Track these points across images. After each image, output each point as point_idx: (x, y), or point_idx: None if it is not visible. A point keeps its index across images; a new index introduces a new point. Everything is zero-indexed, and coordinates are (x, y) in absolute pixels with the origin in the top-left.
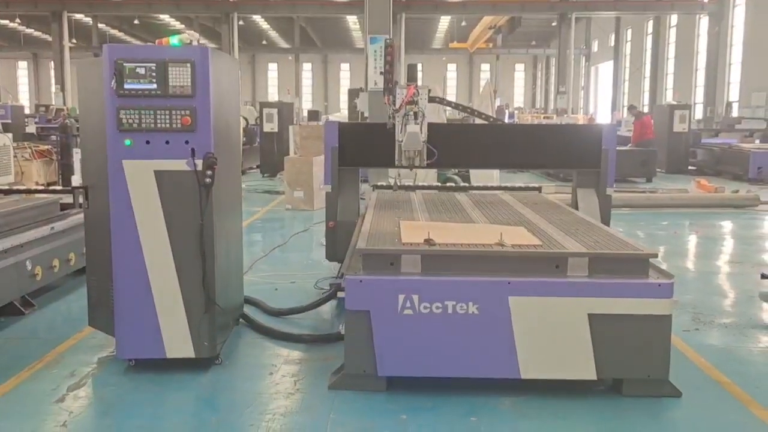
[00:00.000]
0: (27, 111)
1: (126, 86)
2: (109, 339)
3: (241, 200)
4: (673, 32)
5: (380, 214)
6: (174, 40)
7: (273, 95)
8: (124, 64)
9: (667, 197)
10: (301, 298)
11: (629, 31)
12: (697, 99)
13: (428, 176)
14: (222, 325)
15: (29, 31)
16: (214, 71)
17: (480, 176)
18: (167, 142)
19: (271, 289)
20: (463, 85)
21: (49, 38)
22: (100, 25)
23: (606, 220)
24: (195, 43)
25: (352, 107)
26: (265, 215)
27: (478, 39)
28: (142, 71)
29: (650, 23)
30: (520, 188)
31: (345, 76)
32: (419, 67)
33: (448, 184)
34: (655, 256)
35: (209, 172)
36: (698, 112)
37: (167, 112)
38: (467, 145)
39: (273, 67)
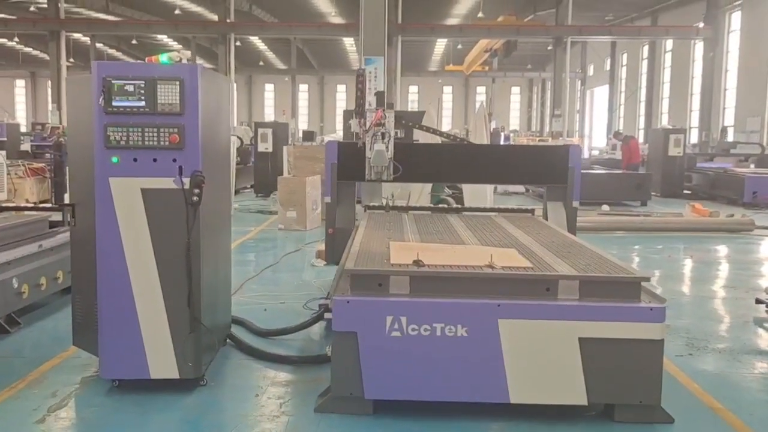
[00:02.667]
0: (24, 129)
1: (114, 103)
2: (93, 359)
3: (230, 219)
4: (668, 57)
5: (371, 234)
6: (163, 57)
7: (269, 116)
8: (113, 81)
9: (662, 221)
10: (290, 319)
11: (624, 56)
12: (693, 123)
13: (421, 198)
14: (208, 346)
15: (27, 49)
16: (203, 89)
17: (473, 198)
18: (155, 160)
19: (260, 310)
20: (459, 107)
21: (47, 57)
22: (98, 45)
23: (572, 229)
24: (184, 61)
25: (347, 128)
26: (258, 235)
27: (474, 62)
28: (130, 88)
29: (645, 48)
30: (513, 210)
31: (341, 97)
32: (415, 89)
33: (440, 206)
34: (648, 279)
35: (197, 191)
36: (693, 137)
37: (155, 129)
38: (450, 163)
39: (270, 87)
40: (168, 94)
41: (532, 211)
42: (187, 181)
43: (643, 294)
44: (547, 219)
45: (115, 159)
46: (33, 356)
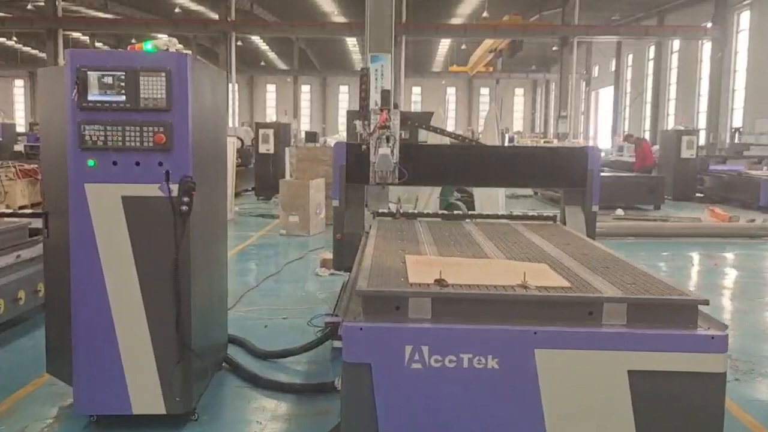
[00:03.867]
0: (22, 129)
1: (90, 98)
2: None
3: (227, 228)
4: (675, 57)
5: (382, 246)
6: (148, 45)
7: (271, 116)
8: (88, 73)
9: (680, 226)
10: (293, 338)
11: (630, 57)
12: (700, 125)
13: (430, 202)
14: (199, 374)
15: (26, 49)
16: (194, 82)
17: (485, 202)
18: (137, 164)
19: (260, 326)
20: (462, 108)
21: (46, 57)
22: (98, 44)
23: (592, 235)
24: (173, 49)
25: (351, 128)
26: (259, 241)
27: (478, 63)
28: (109, 80)
29: (652, 48)
30: (533, 217)
31: (344, 98)
32: (418, 90)
33: (454, 212)
34: (706, 303)
35: (186, 199)
36: (701, 139)
37: (138, 128)
38: (461, 166)
39: (272, 88)
40: (152, 87)
41: (554, 218)
42: (175, 187)
43: (700, 319)
44: (565, 224)
45: (91, 162)
46: (6, 382)
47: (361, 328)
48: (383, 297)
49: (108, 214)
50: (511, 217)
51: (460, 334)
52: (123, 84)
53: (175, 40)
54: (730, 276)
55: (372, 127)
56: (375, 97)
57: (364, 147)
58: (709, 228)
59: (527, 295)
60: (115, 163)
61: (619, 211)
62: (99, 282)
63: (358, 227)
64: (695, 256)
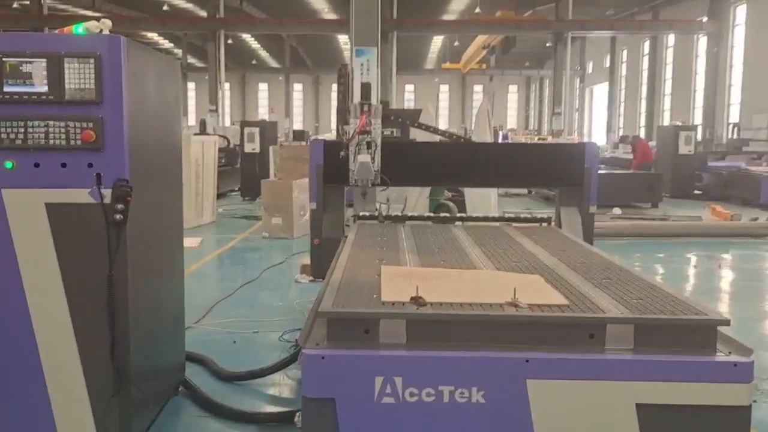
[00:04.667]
0: None
1: (6, 89)
2: None
3: (182, 235)
4: (670, 53)
5: (358, 255)
6: (79, 28)
7: (263, 116)
8: (3, 59)
9: (681, 226)
10: (263, 356)
11: (625, 52)
12: (696, 121)
13: (419, 202)
14: (141, 407)
15: None
16: (132, 70)
17: (476, 202)
18: (63, 165)
19: (228, 341)
20: (455, 106)
21: None
22: None
23: (589, 238)
24: (106, 32)
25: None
26: (240, 243)
27: (471, 60)
28: (28, 69)
29: (647, 44)
30: (526, 219)
31: (336, 97)
32: (411, 88)
33: (442, 215)
34: (727, 323)
35: (120, 206)
36: (698, 135)
37: (63, 124)
38: (451, 164)
39: (263, 87)
40: (79, 76)
41: (548, 220)
42: (108, 192)
43: (720, 342)
44: (560, 227)
45: (8, 164)
46: None
47: (323, 357)
48: (349, 319)
49: (29, 224)
50: (502, 219)
51: (440, 363)
52: (45, 72)
53: (108, 22)
54: (735, 279)
55: (351, 132)
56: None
57: (342, 153)
58: (711, 227)
59: (518, 315)
60: (37, 165)
61: (617, 210)
62: (20, 305)
63: (337, 231)
64: (696, 258)
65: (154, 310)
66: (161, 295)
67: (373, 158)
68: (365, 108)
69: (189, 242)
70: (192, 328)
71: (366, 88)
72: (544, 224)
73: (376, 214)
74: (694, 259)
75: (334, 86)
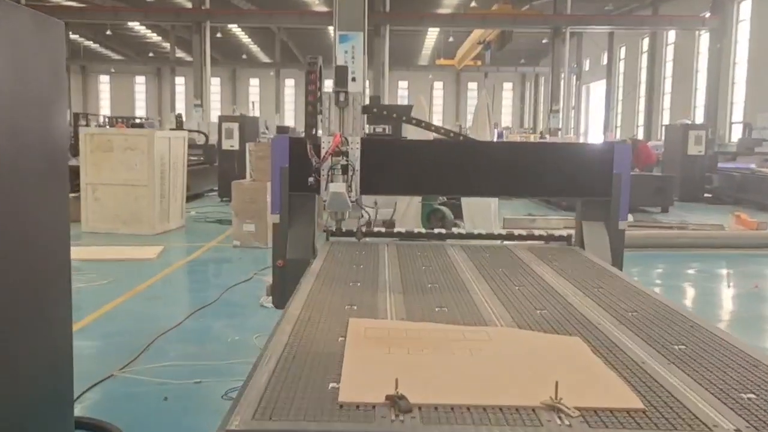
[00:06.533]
0: None
1: None
2: None
3: (69, 263)
4: (670, 50)
5: (319, 297)
6: None
7: (255, 111)
8: None
9: (704, 236)
10: (197, 422)
11: (623, 49)
12: (697, 120)
13: (410, 207)
14: None
15: None
16: None
17: (474, 208)
18: None
19: (159, 396)
20: (450, 104)
21: None
22: (73, 37)
23: (618, 263)
24: None
25: None
26: (206, 254)
27: (467, 55)
28: None
29: (646, 40)
30: (540, 237)
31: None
32: (405, 84)
33: (435, 231)
34: None
35: None
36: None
37: None
38: (447, 168)
39: (255, 82)
40: None
41: (568, 238)
42: None
43: None
44: (582, 246)
45: None
46: None
47: None
48: None
49: None
50: (510, 237)
51: None
52: None
53: None
54: None
55: (322, 153)
56: (350, 96)
57: (311, 180)
58: (737, 237)
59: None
60: None
61: (629, 217)
62: None
63: (305, 251)
64: (725, 274)
65: (12, 382)
66: (28, 359)
67: (349, 185)
68: (340, 98)
69: (145, 252)
70: (114, 378)
71: (341, 72)
72: (563, 243)
73: (354, 230)
74: (721, 276)
75: (328, 82)
